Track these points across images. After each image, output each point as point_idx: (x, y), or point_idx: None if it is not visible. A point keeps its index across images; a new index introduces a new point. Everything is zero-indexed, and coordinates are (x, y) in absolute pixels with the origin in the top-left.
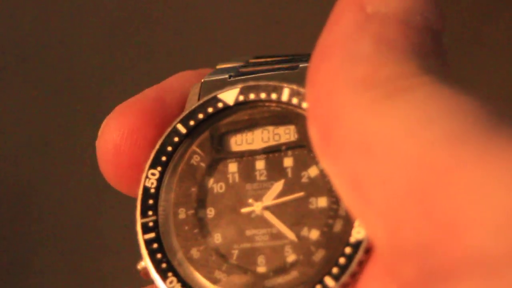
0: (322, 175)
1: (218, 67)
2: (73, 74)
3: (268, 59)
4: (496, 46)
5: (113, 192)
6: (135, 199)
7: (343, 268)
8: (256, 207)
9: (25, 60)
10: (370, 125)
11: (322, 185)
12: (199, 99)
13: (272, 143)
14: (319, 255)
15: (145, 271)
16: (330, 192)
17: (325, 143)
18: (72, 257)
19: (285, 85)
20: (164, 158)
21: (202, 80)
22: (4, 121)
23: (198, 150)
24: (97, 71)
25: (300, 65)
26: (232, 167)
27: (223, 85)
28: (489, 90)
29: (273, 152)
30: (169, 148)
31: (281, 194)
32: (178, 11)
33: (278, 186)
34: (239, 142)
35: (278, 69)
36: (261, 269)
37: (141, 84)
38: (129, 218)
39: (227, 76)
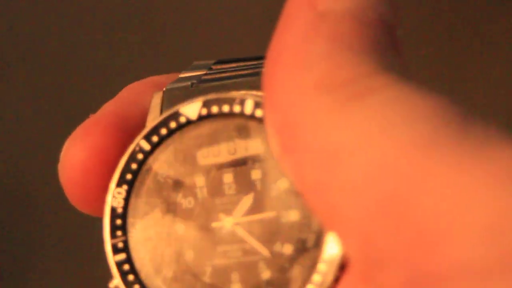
0: (292, 187)
1: (181, 75)
2: (73, 75)
3: (233, 64)
4: (496, 46)
5: None
6: None
7: (319, 286)
8: (226, 222)
9: (25, 60)
10: (332, 131)
11: (293, 198)
12: (161, 110)
13: (239, 155)
14: (294, 272)
15: None
16: (301, 205)
17: (285, 151)
18: (72, 258)
19: (248, 96)
20: (129, 176)
21: (164, 89)
22: (4, 121)
23: (164, 165)
24: (97, 71)
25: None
26: (200, 181)
27: (185, 94)
28: (489, 90)
29: (240, 165)
30: (134, 166)
31: (251, 208)
32: (178, 11)
33: (248, 199)
34: (205, 155)
35: (241, 75)
36: (236, 286)
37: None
38: None
39: (189, 83)
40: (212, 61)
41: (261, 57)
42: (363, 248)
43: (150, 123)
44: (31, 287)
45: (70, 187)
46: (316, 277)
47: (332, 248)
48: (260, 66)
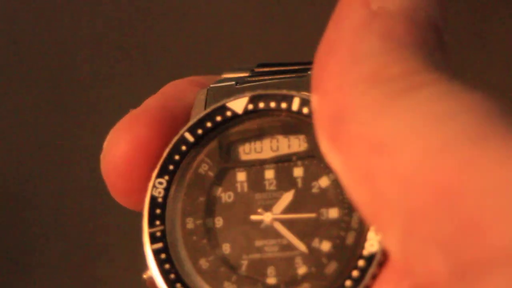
0: (333, 185)
1: (224, 76)
2: (73, 75)
3: (274, 68)
4: (496, 46)
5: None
6: None
7: (357, 281)
8: (265, 217)
9: (25, 61)
10: (382, 122)
11: (333, 196)
12: (205, 106)
13: (281, 152)
14: (331, 268)
15: (151, 281)
16: (341, 203)
17: (333, 138)
18: (71, 258)
19: (295, 93)
20: (171, 167)
21: (209, 86)
22: (4, 121)
23: (206, 159)
24: (98, 72)
25: (308, 72)
26: (241, 176)
27: (230, 92)
28: (488, 91)
29: (282, 162)
30: (177, 157)
31: (291, 205)
32: (180, 12)
33: (288, 196)
34: (248, 151)
35: (285, 77)
36: (271, 280)
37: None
38: (129, 219)
39: (233, 83)
40: (254, 65)
41: (303, 63)
42: (406, 238)
43: (194, 118)
44: (31, 286)
45: (113, 179)
46: (355, 273)
47: (372, 246)
48: (303, 70)
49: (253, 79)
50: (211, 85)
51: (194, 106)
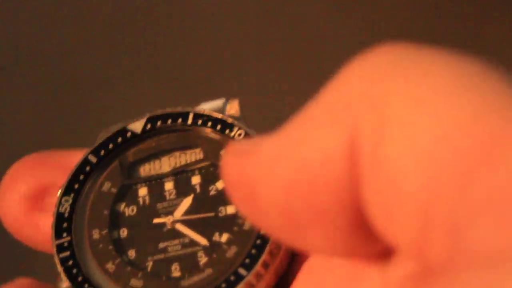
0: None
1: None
2: (73, 75)
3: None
4: (496, 46)
5: None
6: None
7: (255, 258)
8: (167, 220)
9: (25, 61)
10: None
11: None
12: None
13: (179, 165)
14: (231, 252)
15: None
16: None
17: None
18: None
19: (189, 109)
20: (76, 186)
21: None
22: (4, 121)
23: (108, 177)
24: (98, 71)
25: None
26: (142, 191)
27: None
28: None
29: (181, 173)
30: (81, 177)
31: (191, 208)
32: (181, 13)
33: (188, 200)
34: (147, 169)
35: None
36: (176, 274)
37: (141, 85)
38: None
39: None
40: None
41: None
42: (419, 219)
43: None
44: None
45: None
46: (253, 251)
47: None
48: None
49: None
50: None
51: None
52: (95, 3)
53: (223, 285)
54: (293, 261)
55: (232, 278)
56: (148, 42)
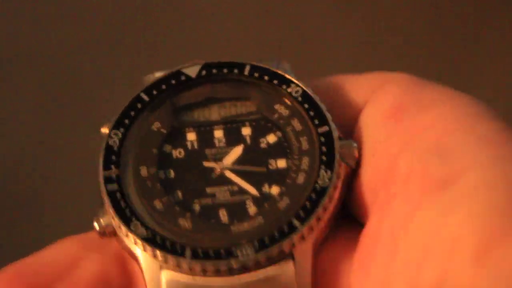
0: (280, 140)
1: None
2: (73, 74)
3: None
4: (496, 46)
5: None
6: None
7: (309, 212)
8: (217, 165)
9: (25, 60)
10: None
11: (281, 149)
12: None
13: (229, 114)
14: (283, 203)
15: (104, 228)
16: (289, 155)
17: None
18: None
19: (246, 62)
20: (126, 121)
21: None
22: (4, 121)
23: (158, 117)
24: (97, 71)
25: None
26: (191, 135)
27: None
28: (489, 91)
29: (231, 123)
30: (132, 113)
31: (241, 157)
32: (182, 12)
33: (238, 149)
34: (196, 115)
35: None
36: (224, 219)
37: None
38: None
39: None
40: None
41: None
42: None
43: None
44: None
45: None
46: (308, 204)
47: (322, 181)
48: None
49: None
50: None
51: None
52: (95, 3)
53: (275, 233)
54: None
55: (285, 228)
56: (148, 42)
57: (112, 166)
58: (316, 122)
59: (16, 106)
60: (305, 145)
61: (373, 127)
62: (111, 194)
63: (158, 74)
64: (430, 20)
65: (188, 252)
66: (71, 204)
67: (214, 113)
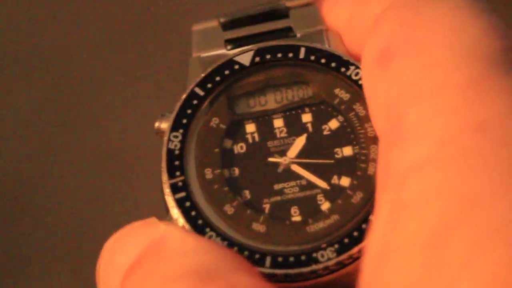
0: (343, 126)
1: (195, 29)
2: (73, 74)
3: (244, 32)
4: None
5: (112, 191)
6: (134, 200)
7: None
8: (282, 160)
9: (25, 60)
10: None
11: (345, 136)
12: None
13: (288, 101)
14: (357, 197)
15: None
16: (354, 141)
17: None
18: (71, 258)
19: (300, 43)
20: (184, 121)
21: (199, 56)
22: (4, 121)
23: (216, 113)
24: (97, 70)
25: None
26: (250, 127)
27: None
28: None
29: (290, 110)
30: (189, 111)
31: (305, 148)
32: (180, 12)
33: (301, 140)
34: (252, 104)
35: (273, 31)
36: (297, 218)
37: (141, 84)
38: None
39: (224, 50)
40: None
41: (270, 6)
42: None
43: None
44: (32, 286)
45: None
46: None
47: None
48: (276, 16)
49: (240, 35)
50: (202, 55)
51: (189, 75)
52: (95, 3)
53: (355, 233)
54: None
55: (363, 226)
56: (149, 42)
57: (177, 173)
58: None
59: (16, 106)
60: (370, 131)
61: (369, 76)
62: (180, 204)
63: (196, 27)
64: None
65: (268, 261)
66: (71, 204)
67: (271, 100)
